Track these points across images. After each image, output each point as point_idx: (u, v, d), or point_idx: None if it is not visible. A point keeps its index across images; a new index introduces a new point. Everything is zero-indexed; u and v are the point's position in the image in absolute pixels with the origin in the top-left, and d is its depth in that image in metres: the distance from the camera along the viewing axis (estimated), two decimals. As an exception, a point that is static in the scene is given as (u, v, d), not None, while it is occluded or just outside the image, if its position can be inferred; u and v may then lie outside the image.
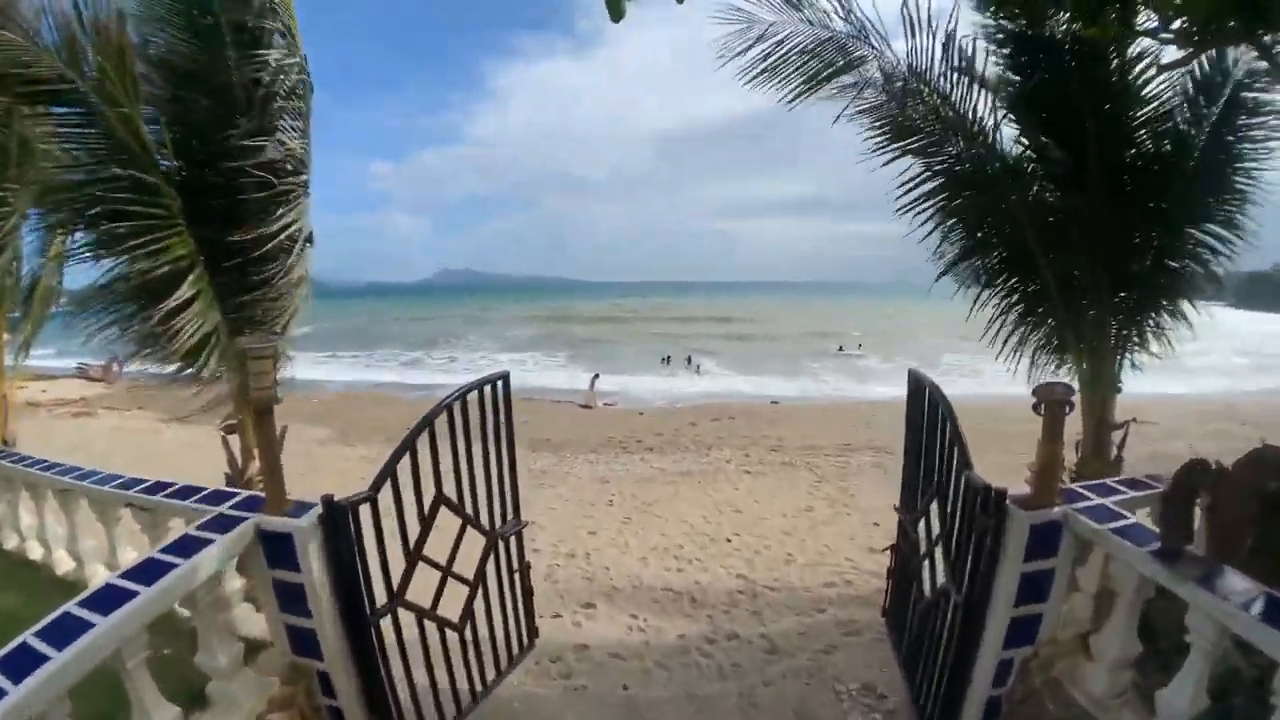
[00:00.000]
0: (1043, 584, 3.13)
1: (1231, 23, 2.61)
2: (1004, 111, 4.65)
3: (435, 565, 3.60)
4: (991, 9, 4.34)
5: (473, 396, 3.80)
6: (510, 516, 4.18)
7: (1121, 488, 3.37)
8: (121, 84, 3.87)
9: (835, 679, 4.50)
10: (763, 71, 4.64)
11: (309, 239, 4.80)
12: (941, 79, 4.62)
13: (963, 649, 3.31)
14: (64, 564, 4.55)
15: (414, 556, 3.46)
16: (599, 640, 5.13)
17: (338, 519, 3.05)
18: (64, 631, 2.30)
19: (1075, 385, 3.85)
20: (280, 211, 4.42)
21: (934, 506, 3.74)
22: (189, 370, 4.53)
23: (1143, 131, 4.45)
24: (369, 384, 26.83)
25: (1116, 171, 4.44)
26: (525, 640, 4.52)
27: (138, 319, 4.29)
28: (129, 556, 3.99)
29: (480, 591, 3.98)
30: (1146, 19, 3.06)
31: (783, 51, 4.59)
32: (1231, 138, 4.31)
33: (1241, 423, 14.42)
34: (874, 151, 4.84)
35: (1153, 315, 4.72)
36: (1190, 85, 4.31)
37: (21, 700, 1.99)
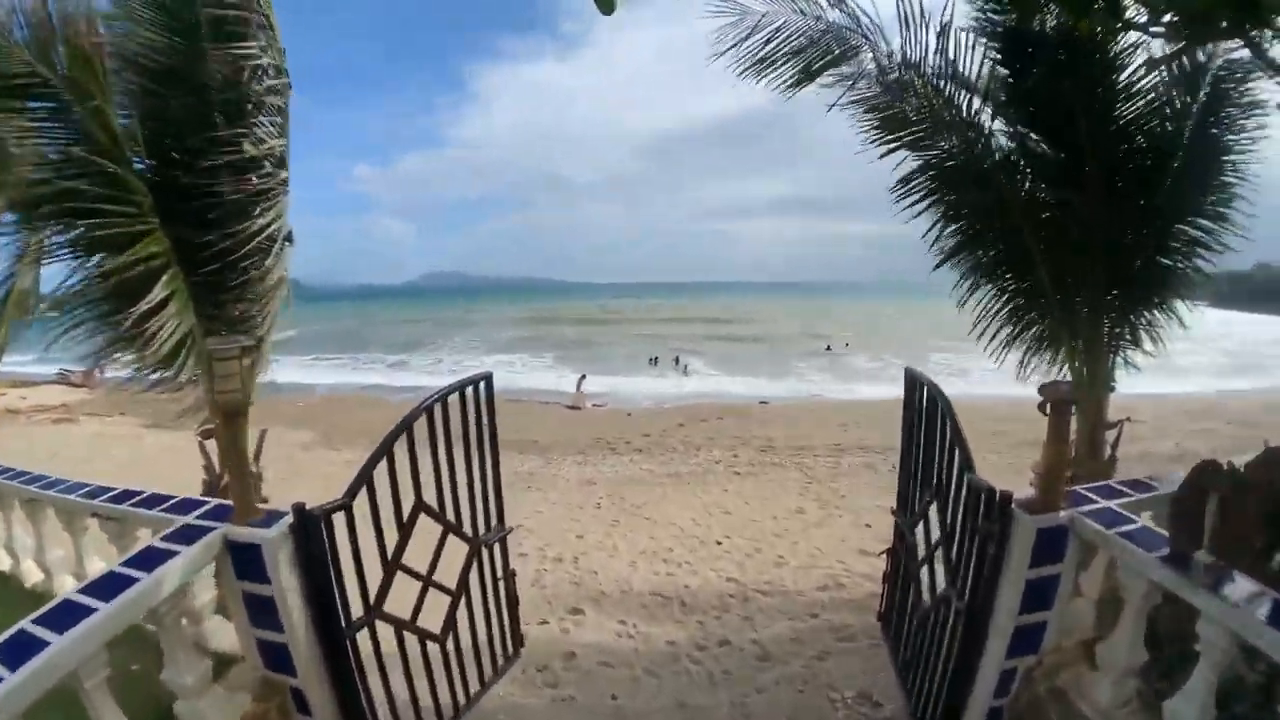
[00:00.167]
0: (1048, 591, 3.02)
1: (1224, 22, 2.53)
2: (998, 107, 4.57)
3: (415, 575, 3.46)
4: (980, 1, 4.27)
5: (454, 399, 3.66)
6: (494, 523, 4.04)
7: (1126, 489, 3.27)
8: (92, 78, 3.72)
9: (829, 686, 4.38)
10: (757, 63, 4.54)
11: (288, 238, 4.64)
12: (935, 72, 4.54)
13: (964, 658, 3.19)
14: (33, 575, 4.38)
15: (392, 566, 3.30)
16: (587, 647, 4.98)
17: (310, 529, 2.90)
18: (18, 650, 2.16)
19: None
20: (258, 210, 4.26)
21: (932, 510, 3.63)
22: (166, 375, 4.37)
23: (1133, 127, 4.39)
24: (354, 386, 26.58)
25: (1110, 168, 4.38)
26: (510, 650, 4.38)
27: (110, 322, 4.12)
28: (96, 567, 3.83)
29: (463, 601, 3.84)
30: (1136, 13, 2.99)
31: (777, 43, 4.49)
32: (1215, 131, 4.26)
33: (1228, 421, 14.50)
34: (871, 143, 4.75)
35: (1145, 313, 4.66)
36: (1172, 79, 4.26)
37: (-29, 723, 1.84)
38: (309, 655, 3.05)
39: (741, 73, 4.57)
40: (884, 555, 4.61)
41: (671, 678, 4.58)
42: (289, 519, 2.91)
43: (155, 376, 4.34)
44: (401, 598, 3.43)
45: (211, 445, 4.43)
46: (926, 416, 3.74)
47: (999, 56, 4.44)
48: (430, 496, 3.52)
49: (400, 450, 3.25)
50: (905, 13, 4.34)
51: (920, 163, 4.79)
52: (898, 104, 4.62)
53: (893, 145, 4.77)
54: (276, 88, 4.30)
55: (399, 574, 3.36)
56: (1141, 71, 4.20)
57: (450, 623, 3.74)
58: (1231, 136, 4.26)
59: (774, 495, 9.28)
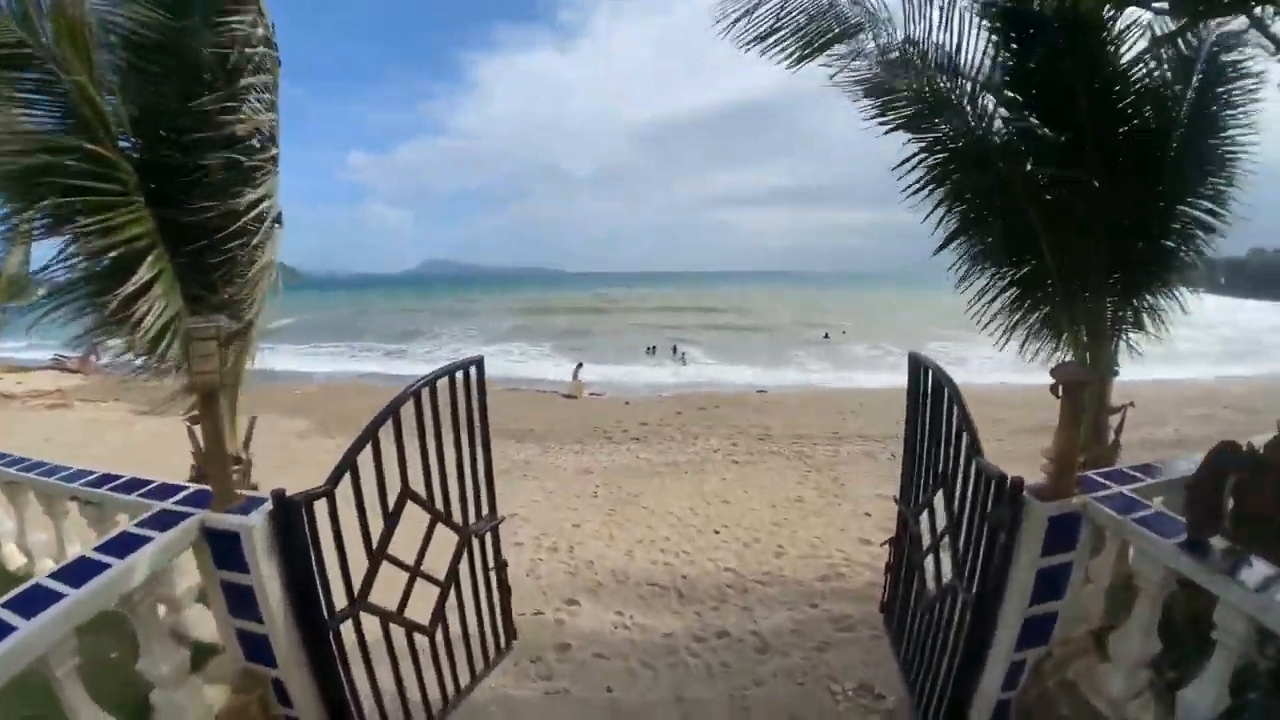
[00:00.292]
0: (1059, 580, 2.90)
1: None
2: (998, 88, 4.46)
3: (402, 565, 3.34)
4: None
5: (443, 383, 3.53)
6: (485, 511, 3.92)
7: (1137, 474, 3.15)
8: (79, 53, 3.56)
9: (830, 678, 4.28)
10: (759, 38, 4.40)
11: (278, 219, 4.51)
12: (937, 50, 4.42)
13: (971, 650, 3.08)
14: (15, 559, 4.29)
15: (378, 556, 3.18)
16: (582, 639, 4.88)
17: (290, 516, 2.78)
18: (-15, 634, 2.07)
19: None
20: (247, 189, 4.12)
21: (938, 497, 3.51)
22: (150, 359, 4.24)
23: (1133, 107, 4.28)
24: (352, 375, 26.42)
25: (1112, 149, 4.28)
26: (502, 642, 4.27)
27: (94, 304, 3.99)
28: (76, 552, 3.73)
29: (453, 592, 3.72)
30: None
31: (781, 17, 4.36)
32: (1214, 107, 4.18)
33: (1225, 406, 14.52)
34: (872, 119, 4.60)
35: (1148, 296, 4.57)
36: (1169, 56, 4.16)
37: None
38: (290, 647, 2.94)
39: (745, 46, 4.43)
40: (886, 545, 4.49)
41: (668, 670, 4.48)
42: (268, 506, 2.79)
43: (141, 361, 4.23)
44: (389, 589, 3.32)
45: (200, 430, 4.31)
46: (932, 401, 3.62)
47: (1000, 38, 4.33)
48: (419, 485, 3.40)
49: (388, 437, 3.14)
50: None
51: (922, 144, 4.67)
52: (902, 78, 4.49)
53: (894, 125, 4.64)
54: (265, 63, 4.15)
55: (387, 565, 3.25)
56: (1140, 48, 4.12)
57: (439, 614, 3.63)
58: (1229, 112, 4.19)
59: (772, 484, 9.18)
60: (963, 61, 4.41)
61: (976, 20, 4.29)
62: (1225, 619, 2.33)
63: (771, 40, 4.42)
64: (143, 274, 3.82)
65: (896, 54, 4.45)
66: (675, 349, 32.02)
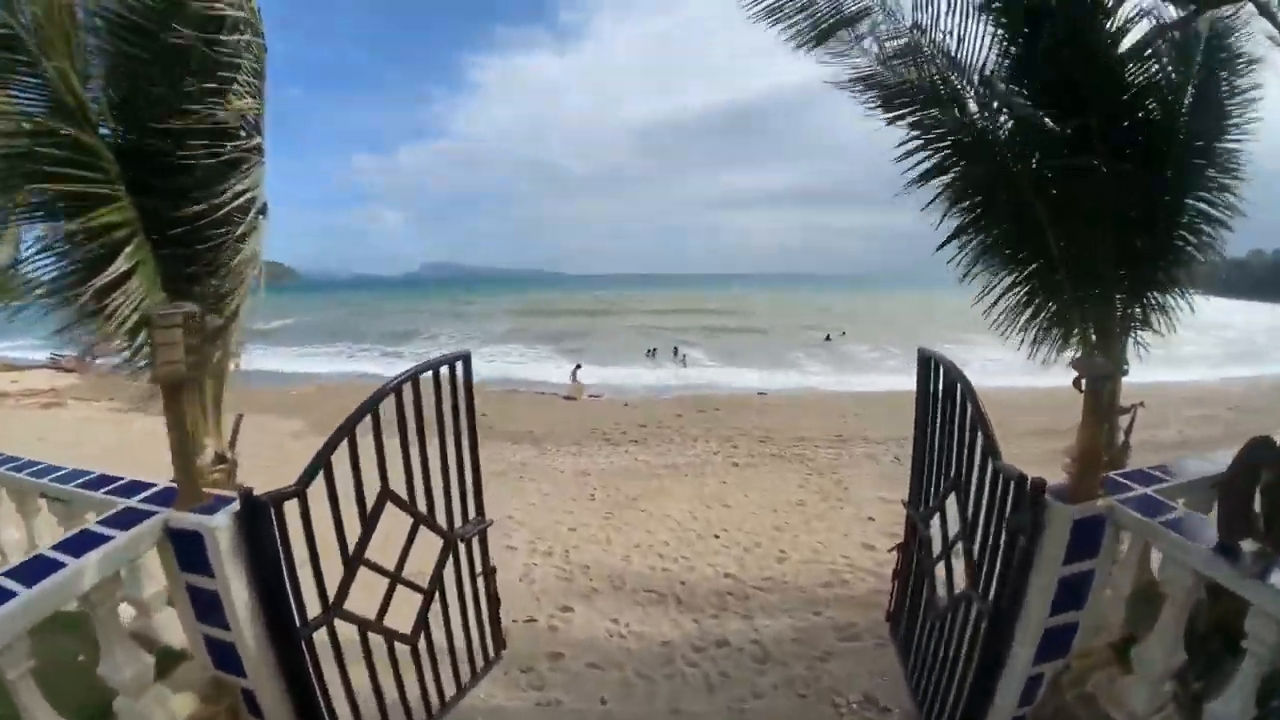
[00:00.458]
0: (1082, 588, 2.73)
1: None
2: (1007, 78, 4.31)
3: (381, 571, 3.15)
4: None
5: (428, 378, 3.35)
6: (473, 515, 3.73)
7: (1159, 474, 2.97)
8: (60, 34, 3.39)
9: (833, 690, 4.09)
10: (769, 12, 4.23)
11: (262, 210, 4.34)
12: (946, 36, 4.26)
13: (986, 663, 2.90)
14: (-14, 557, 4.13)
15: (355, 561, 3.00)
16: (576, 647, 4.69)
17: (258, 517, 2.60)
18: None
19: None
20: (232, 178, 3.95)
21: (951, 500, 3.32)
22: (132, 353, 4.08)
23: (1138, 99, 4.14)
24: (349, 375, 26.23)
25: (1118, 141, 4.13)
26: (491, 652, 4.08)
27: (72, 297, 3.82)
28: (44, 550, 3.58)
29: (438, 600, 3.54)
30: None
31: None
32: (1215, 94, 4.02)
33: (1228, 408, 14.38)
34: (876, 109, 4.43)
35: (1156, 294, 4.43)
36: (1169, 44, 4.02)
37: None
38: (260, 656, 2.77)
39: (754, 18, 4.28)
40: (894, 551, 4.30)
41: (665, 681, 4.29)
42: (235, 506, 2.61)
43: (119, 360, 4.06)
44: (370, 596, 3.14)
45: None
46: (944, 399, 3.44)
47: (1003, 30, 4.19)
48: (401, 486, 3.22)
49: (370, 436, 2.96)
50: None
51: (927, 136, 4.50)
52: (909, 66, 4.33)
53: (898, 116, 4.48)
54: (251, 49, 3.99)
55: (367, 571, 3.07)
56: (1143, 38, 3.97)
57: (421, 623, 3.44)
58: (1231, 100, 4.03)
59: (774, 487, 8.97)
60: (969, 50, 4.27)
61: (981, 8, 4.15)
62: (1258, 626, 2.19)
63: (781, 15, 4.26)
64: (120, 264, 3.65)
65: (905, 39, 4.29)
66: (676, 350, 31.85)
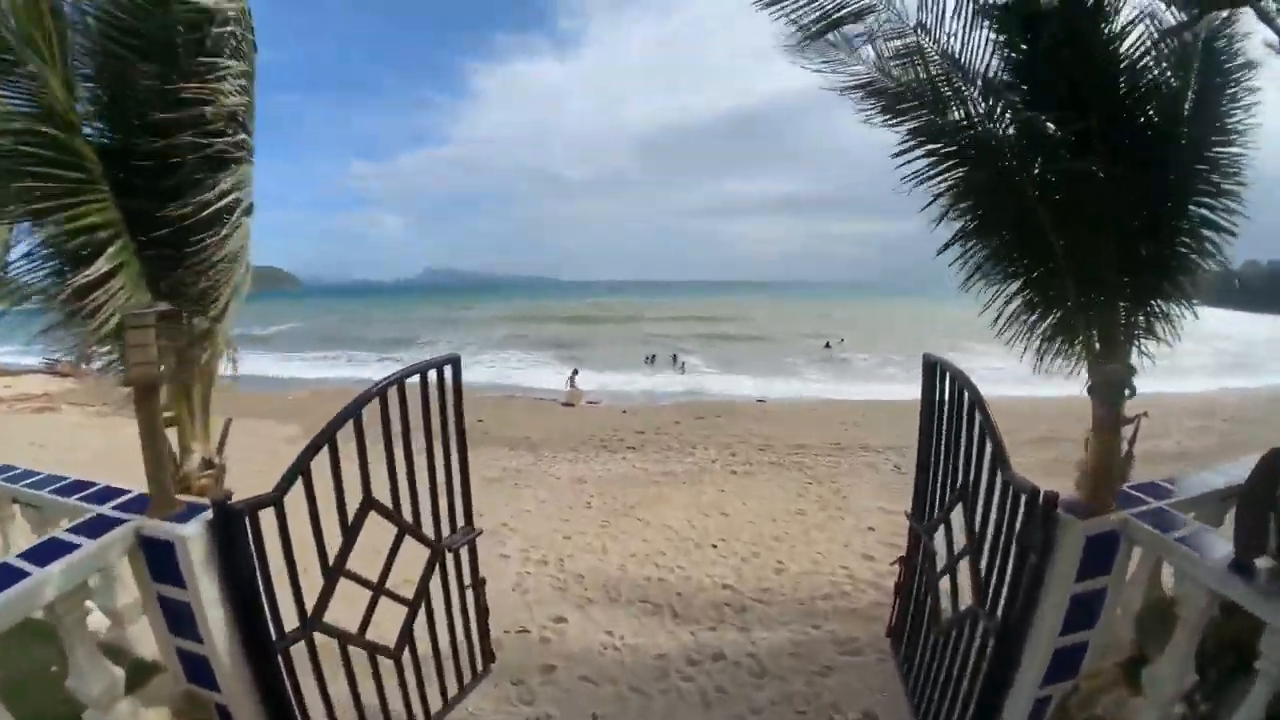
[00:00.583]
0: (1094, 606, 2.61)
1: None
2: (1009, 81, 4.22)
3: (363, 582, 3.03)
4: None
5: (415, 382, 3.24)
6: (461, 524, 3.61)
7: (1170, 486, 2.87)
8: (43, 32, 3.30)
9: (832, 706, 3.98)
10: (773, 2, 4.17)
11: (248, 210, 4.24)
12: (950, 38, 4.17)
13: (992, 682, 2.78)
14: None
15: (335, 572, 2.88)
16: (568, 660, 4.57)
17: (232, 526, 2.48)
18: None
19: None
20: (219, 177, 3.85)
21: (957, 513, 3.20)
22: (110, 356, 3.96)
23: (1138, 104, 4.05)
24: (346, 380, 26.10)
25: (1119, 147, 4.05)
26: (479, 665, 3.95)
27: (54, 299, 3.71)
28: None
29: (424, 612, 3.41)
30: None
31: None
32: (1214, 99, 3.93)
33: (1224, 419, 14.21)
34: (877, 113, 4.34)
35: (1159, 302, 4.34)
36: (1170, 49, 3.94)
37: None
38: (234, 670, 2.66)
39: (755, 4, 4.20)
40: (896, 564, 4.18)
41: (660, 696, 4.17)
42: (208, 515, 2.50)
43: (101, 363, 3.95)
44: (352, 608, 3.02)
45: (173, 434, 4.03)
46: (950, 407, 3.32)
47: (1003, 34, 4.11)
48: (385, 494, 3.10)
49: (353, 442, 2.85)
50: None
51: (929, 140, 4.41)
52: (912, 67, 4.24)
53: (899, 120, 4.39)
54: (240, 46, 3.89)
55: (348, 582, 2.94)
56: (1144, 42, 3.89)
57: (406, 636, 3.32)
58: (1232, 104, 3.95)
59: (772, 496, 8.84)
60: (972, 52, 4.18)
61: (983, 12, 4.07)
62: (1272, 646, 2.12)
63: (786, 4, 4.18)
64: (102, 265, 3.54)
65: (911, 38, 4.20)
66: (675, 358, 31.70)
